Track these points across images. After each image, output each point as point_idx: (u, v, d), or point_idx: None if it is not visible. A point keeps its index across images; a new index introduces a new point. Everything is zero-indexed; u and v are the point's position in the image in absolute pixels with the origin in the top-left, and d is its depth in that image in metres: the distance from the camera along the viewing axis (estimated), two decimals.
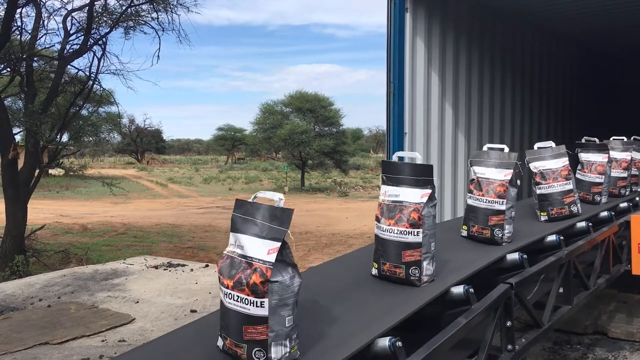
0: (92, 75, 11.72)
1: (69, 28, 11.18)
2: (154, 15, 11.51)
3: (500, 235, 3.55)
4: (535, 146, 4.55)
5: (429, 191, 2.89)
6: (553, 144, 4.50)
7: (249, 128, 44.47)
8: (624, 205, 5.32)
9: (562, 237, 3.86)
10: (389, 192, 2.94)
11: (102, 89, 12.56)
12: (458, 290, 2.76)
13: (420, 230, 2.83)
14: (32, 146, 10.72)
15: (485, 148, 3.82)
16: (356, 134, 55.84)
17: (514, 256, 3.34)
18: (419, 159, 3.11)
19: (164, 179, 40.92)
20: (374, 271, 3.00)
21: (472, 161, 3.79)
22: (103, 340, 5.73)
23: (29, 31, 10.94)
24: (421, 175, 2.90)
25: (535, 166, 4.46)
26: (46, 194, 27.44)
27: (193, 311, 6.64)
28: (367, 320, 2.41)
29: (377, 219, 2.97)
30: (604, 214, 4.81)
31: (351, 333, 2.29)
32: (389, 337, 2.21)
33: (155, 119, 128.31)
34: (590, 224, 4.33)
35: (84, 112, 13.60)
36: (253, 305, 2.02)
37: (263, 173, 45.63)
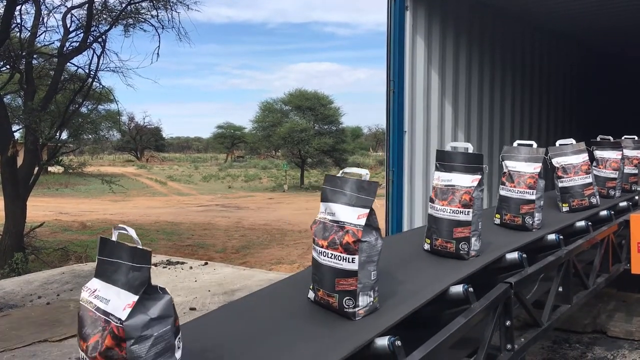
0: (91, 72, 11.74)
1: (68, 25, 11.19)
2: (154, 12, 11.54)
3: (531, 222, 3.90)
4: (557, 143, 4.87)
5: (479, 177, 3.23)
6: (574, 141, 4.83)
7: (249, 126, 44.54)
8: (623, 204, 5.32)
9: (561, 237, 3.86)
10: (442, 177, 3.33)
11: (101, 86, 12.59)
12: (457, 289, 2.76)
13: (471, 210, 3.19)
14: (31, 144, 10.72)
15: (515, 144, 4.16)
16: (356, 133, 55.80)
17: (513, 255, 3.34)
18: (471, 148, 3.43)
19: (163, 176, 40.92)
20: (427, 246, 3.36)
21: (504, 156, 4.10)
22: None
23: (29, 28, 10.96)
24: (472, 163, 3.26)
25: (557, 161, 4.77)
26: (45, 191, 27.44)
27: (192, 309, 6.64)
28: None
29: (432, 200, 3.35)
30: (603, 213, 4.82)
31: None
32: (388, 336, 2.21)
33: (155, 117, 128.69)
34: (589, 223, 4.34)
35: (83, 109, 13.63)
36: (345, 261, 2.39)
37: (262, 171, 45.63)
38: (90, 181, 27.55)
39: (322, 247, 2.47)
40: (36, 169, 11.32)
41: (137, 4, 11.50)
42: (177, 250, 13.11)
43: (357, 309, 2.43)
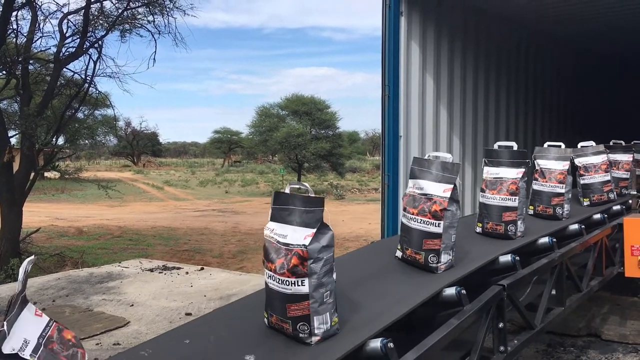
0: (88, 78, 11.72)
1: (64, 31, 11.17)
2: (150, 18, 11.53)
3: (561, 212, 4.51)
4: (579, 145, 5.36)
5: (524, 170, 3.80)
6: (594, 143, 5.36)
7: (246, 131, 44.36)
8: (617, 207, 5.36)
9: (554, 240, 3.89)
10: (491, 171, 3.91)
11: (98, 91, 12.55)
12: (450, 291, 2.78)
13: (517, 197, 3.77)
14: (27, 149, 10.70)
15: (545, 145, 4.80)
16: (352, 137, 55.80)
17: (506, 258, 3.36)
18: (515, 146, 3.97)
19: (160, 181, 40.86)
20: (479, 229, 3.93)
21: (536, 155, 4.72)
22: (98, 344, 5.73)
23: (25, 34, 10.93)
24: (517, 159, 3.85)
25: (579, 161, 5.31)
26: (42, 197, 27.38)
27: (188, 314, 6.64)
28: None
29: (482, 190, 3.93)
30: (597, 216, 4.85)
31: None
32: (380, 338, 2.23)
33: (152, 122, 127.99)
34: (583, 226, 4.37)
35: (79, 115, 13.63)
36: (433, 225, 3.02)
37: (259, 176, 45.59)
38: (87, 186, 27.45)
39: (412, 214, 3.12)
40: (32, 174, 11.30)
41: (133, 10, 11.51)
42: (174, 256, 13.09)
43: (439, 264, 3.03)
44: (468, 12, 8.47)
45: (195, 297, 7.42)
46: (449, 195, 2.98)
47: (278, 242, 2.30)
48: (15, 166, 11.09)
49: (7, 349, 1.45)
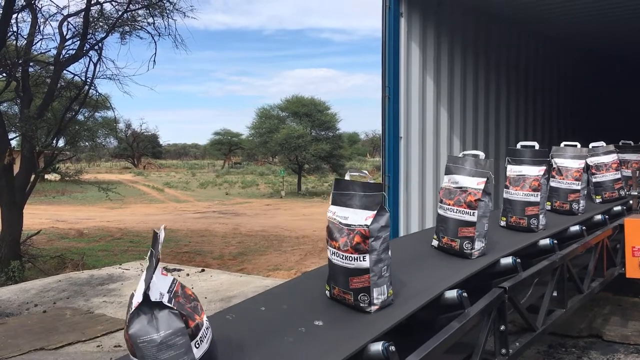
0: (88, 80, 11.74)
1: (64, 33, 11.19)
2: (150, 20, 11.56)
3: (577, 208, 4.77)
4: (590, 145, 5.55)
5: (545, 167, 4.13)
6: (604, 144, 5.57)
7: (246, 132, 44.46)
8: (617, 208, 5.35)
9: (555, 241, 3.88)
10: (514, 170, 4.22)
11: (98, 93, 12.58)
12: (451, 294, 2.77)
13: (539, 193, 4.09)
14: (27, 151, 10.70)
15: (562, 145, 5.07)
16: (353, 138, 55.91)
17: (507, 260, 3.36)
18: (537, 146, 4.28)
19: (160, 183, 40.88)
20: (502, 223, 4.19)
21: (553, 154, 4.97)
22: (99, 346, 5.72)
23: (25, 36, 10.95)
24: (538, 157, 4.19)
25: (591, 160, 5.47)
26: (42, 199, 27.39)
27: None
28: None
29: (507, 187, 4.21)
30: (598, 217, 4.85)
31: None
32: (382, 342, 2.22)
33: (152, 124, 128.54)
34: (584, 227, 4.36)
35: (80, 117, 13.63)
36: (467, 215, 3.33)
37: (260, 177, 45.61)
38: (87, 188, 27.52)
39: (449, 205, 3.42)
40: (33, 176, 11.30)
41: (133, 12, 11.53)
42: (175, 257, 13.09)
43: (473, 251, 3.36)
44: (468, 13, 8.47)
45: None
46: (482, 188, 3.32)
47: (340, 223, 2.60)
48: (16, 168, 11.09)
49: (153, 297, 1.76)
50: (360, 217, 2.54)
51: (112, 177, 42.31)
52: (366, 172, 2.79)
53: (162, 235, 1.91)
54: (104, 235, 16.92)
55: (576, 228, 4.36)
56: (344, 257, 2.56)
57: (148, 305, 1.77)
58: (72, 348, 5.65)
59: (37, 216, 18.88)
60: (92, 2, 10.95)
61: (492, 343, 3.03)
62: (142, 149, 67.80)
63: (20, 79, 11.08)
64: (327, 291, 2.73)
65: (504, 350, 3.05)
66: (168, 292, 1.81)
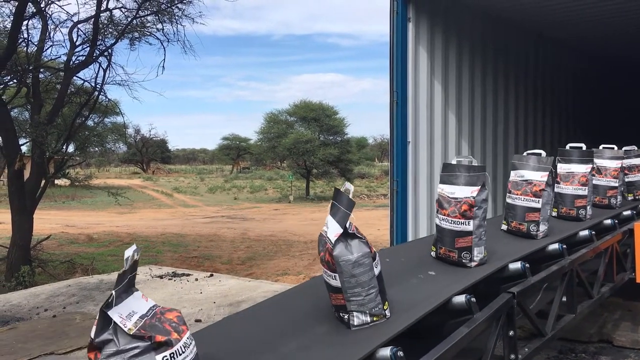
0: (97, 86, 11.80)
1: (74, 39, 11.27)
2: (159, 26, 11.60)
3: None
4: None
5: (592, 165, 4.74)
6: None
7: (254, 137, 44.51)
8: (627, 213, 5.33)
9: (564, 246, 3.86)
10: (564, 167, 4.76)
11: (107, 99, 12.63)
12: (459, 299, 2.76)
13: (587, 187, 4.67)
14: (38, 157, 10.77)
15: (601, 147, 5.48)
16: (361, 143, 55.77)
17: (516, 265, 3.35)
18: (584, 146, 4.86)
19: (169, 188, 41.02)
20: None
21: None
22: None
23: (35, 43, 11.05)
24: (586, 156, 4.78)
25: (625, 162, 5.75)
26: (52, 204, 27.55)
27: (198, 321, 6.65)
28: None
29: (557, 182, 4.63)
30: (608, 222, 4.82)
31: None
32: (390, 347, 2.22)
33: (161, 129, 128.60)
34: (593, 232, 4.34)
35: (89, 122, 13.71)
36: (533, 202, 3.99)
37: (268, 182, 45.66)
38: (97, 193, 27.64)
39: (517, 195, 4.06)
40: (43, 181, 11.37)
41: (142, 18, 11.59)
42: (183, 262, 13.12)
43: (538, 232, 3.96)
44: (476, 18, 8.46)
45: (205, 304, 7.43)
46: (545, 180, 3.97)
47: (449, 196, 3.30)
48: (26, 174, 11.17)
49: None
50: (466, 191, 3.26)
51: (121, 182, 42.49)
52: (472, 157, 3.56)
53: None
54: (114, 240, 16.99)
55: (585, 233, 4.34)
56: (452, 222, 3.27)
57: (345, 235, 2.41)
58: (81, 353, 5.67)
59: (47, 221, 18.99)
60: (102, 9, 11.04)
61: (501, 348, 3.02)
62: (151, 154, 68.08)
63: (31, 85, 11.17)
64: (432, 252, 3.44)
65: (513, 356, 3.04)
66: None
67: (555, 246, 3.85)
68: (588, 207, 4.68)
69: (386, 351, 2.21)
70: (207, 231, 19.13)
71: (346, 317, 2.47)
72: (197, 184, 45.67)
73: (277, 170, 53.24)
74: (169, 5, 11.37)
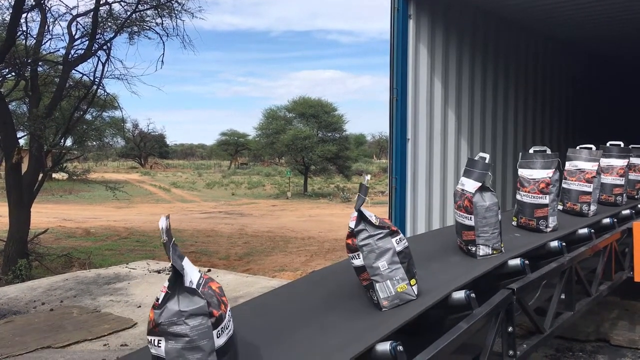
0: (96, 80, 11.76)
1: (73, 33, 11.23)
2: (159, 20, 11.56)
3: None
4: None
5: (627, 160, 5.40)
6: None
7: (252, 133, 44.62)
8: (626, 212, 5.33)
9: (564, 244, 3.86)
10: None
11: (106, 93, 12.59)
12: (459, 295, 2.76)
13: (624, 178, 5.38)
14: (36, 150, 10.74)
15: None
16: (359, 140, 55.90)
17: (515, 262, 3.35)
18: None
19: (167, 183, 40.98)
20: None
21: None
22: (105, 345, 5.74)
23: (34, 36, 11.00)
24: (622, 152, 5.43)
25: (633, 160, 5.93)
26: (50, 198, 27.51)
27: None
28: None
29: (598, 173, 4.93)
30: (606, 221, 4.82)
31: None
32: (390, 342, 2.22)
33: (159, 124, 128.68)
34: (592, 230, 4.34)
35: (87, 116, 13.66)
36: (586, 187, 4.76)
37: (266, 178, 45.65)
38: (94, 188, 27.51)
39: (572, 180, 4.84)
40: (40, 175, 11.34)
41: (141, 12, 11.55)
42: None
43: (589, 211, 4.72)
44: (477, 16, 8.45)
45: None
46: (595, 169, 4.72)
47: (528, 178, 4.17)
48: (24, 167, 11.14)
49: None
50: (543, 173, 4.11)
51: (119, 177, 42.45)
52: (547, 148, 4.25)
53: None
54: (111, 234, 16.97)
55: (585, 231, 4.34)
56: (532, 197, 4.13)
57: (481, 189, 3.09)
58: (78, 347, 5.67)
59: (44, 215, 18.96)
60: (101, 3, 10.99)
61: (500, 345, 3.02)
62: (149, 149, 68.03)
63: (29, 78, 11.13)
64: (513, 222, 4.28)
65: (511, 352, 3.04)
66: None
67: (555, 244, 3.84)
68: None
69: (385, 345, 2.21)
70: (205, 226, 19.12)
71: (473, 249, 3.37)
72: (194, 179, 45.64)
73: (275, 167, 53.26)
74: None
